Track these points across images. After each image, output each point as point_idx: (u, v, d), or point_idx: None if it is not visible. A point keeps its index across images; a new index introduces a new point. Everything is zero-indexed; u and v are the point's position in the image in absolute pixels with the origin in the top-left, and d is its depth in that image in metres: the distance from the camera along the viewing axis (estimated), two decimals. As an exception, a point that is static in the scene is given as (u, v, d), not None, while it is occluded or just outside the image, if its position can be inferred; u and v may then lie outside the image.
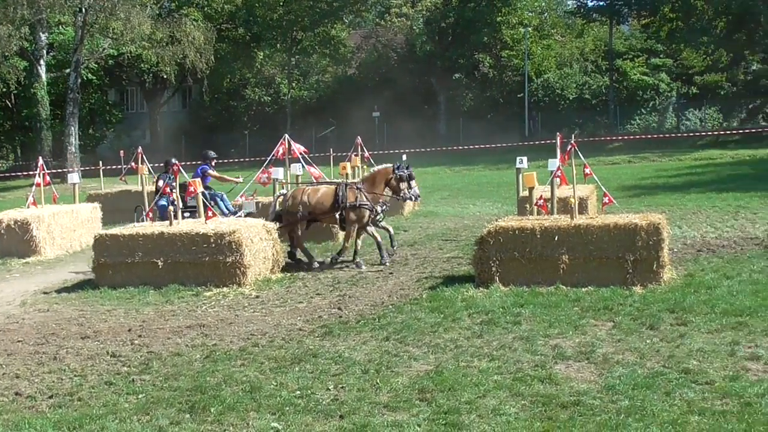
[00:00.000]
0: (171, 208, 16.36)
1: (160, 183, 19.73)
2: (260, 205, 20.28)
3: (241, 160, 54.18)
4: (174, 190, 17.76)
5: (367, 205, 16.87)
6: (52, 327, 12.65)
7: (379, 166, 17.92)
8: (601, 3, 64.98)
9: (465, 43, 63.46)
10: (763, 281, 12.88)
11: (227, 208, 19.95)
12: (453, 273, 15.17)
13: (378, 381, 9.06)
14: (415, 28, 62.80)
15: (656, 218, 13.18)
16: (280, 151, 20.74)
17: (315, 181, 21.12)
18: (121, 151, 36.26)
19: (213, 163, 20.78)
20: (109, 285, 15.21)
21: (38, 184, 21.41)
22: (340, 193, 16.94)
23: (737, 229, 18.83)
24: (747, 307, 11.24)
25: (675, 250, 15.78)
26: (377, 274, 15.68)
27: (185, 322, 12.51)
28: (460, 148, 51.20)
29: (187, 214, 17.90)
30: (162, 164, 21.68)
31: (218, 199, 20.13)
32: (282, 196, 18.02)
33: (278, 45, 67.72)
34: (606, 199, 15.06)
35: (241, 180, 21.87)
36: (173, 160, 19.72)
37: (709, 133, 54.07)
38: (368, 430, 7.76)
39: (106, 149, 66.34)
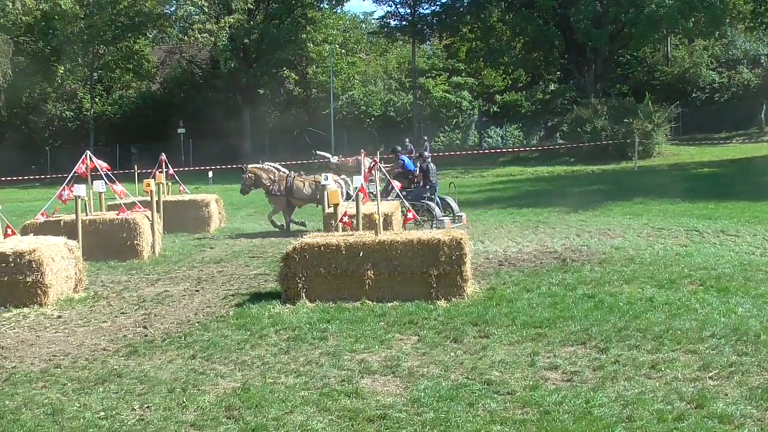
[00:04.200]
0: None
1: None
2: (62, 223, 19.68)
3: (42, 177, 52.57)
4: None
5: None
6: None
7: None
8: (404, 23, 66.24)
9: (270, 59, 63.49)
10: (561, 293, 13.43)
11: None
12: (260, 290, 15.15)
13: (184, 399, 8.97)
14: (219, 44, 62.39)
15: (458, 234, 13.54)
16: (82, 168, 20.25)
17: (119, 197, 20.97)
18: None
19: None
20: None
21: None
22: None
23: (537, 243, 19.56)
24: (546, 318, 11.70)
25: (478, 264, 16.22)
26: (183, 292, 15.50)
27: (-18, 344, 12.04)
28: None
29: None
30: None
31: None
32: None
33: (80, 59, 65.89)
34: (409, 215, 15.38)
35: None
36: None
37: (510, 150, 55.89)
38: (175, 449, 7.69)
39: None
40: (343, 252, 13.37)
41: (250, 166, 24.95)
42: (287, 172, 24.60)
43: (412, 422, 8.07)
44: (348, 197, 22.16)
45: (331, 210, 17.13)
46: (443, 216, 22.12)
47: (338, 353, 10.50)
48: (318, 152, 30.81)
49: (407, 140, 40.92)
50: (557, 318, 11.73)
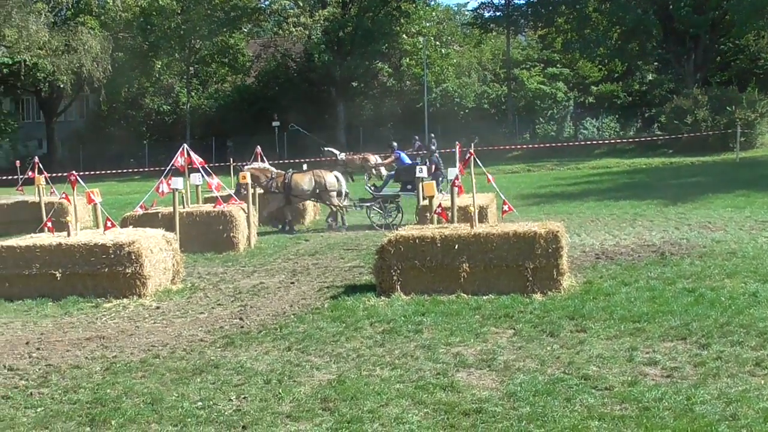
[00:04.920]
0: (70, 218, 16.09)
1: None
2: (160, 215, 19.99)
3: (141, 170, 53.54)
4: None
5: None
6: (-55, 342, 12.31)
7: None
8: (498, 14, 65.85)
9: (364, 52, 63.66)
10: (660, 288, 13.17)
11: None
12: (354, 282, 15.19)
13: (280, 391, 9.00)
14: (313, 37, 62.77)
15: (555, 226, 13.35)
16: (180, 161, 20.54)
17: (215, 192, 21.28)
18: (17, 162, 35.49)
19: None
20: (5, 297, 14.82)
21: None
22: None
23: (634, 237, 19.24)
24: (644, 313, 11.48)
25: (574, 257, 16.03)
26: (279, 284, 15.61)
27: (85, 334, 12.24)
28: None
29: None
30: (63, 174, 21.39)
31: None
32: None
33: (176, 54, 67.04)
34: (506, 207, 15.21)
35: None
36: None
37: (606, 141, 55.17)
38: (271, 440, 7.73)
39: (2, 159, 64.96)
40: (438, 245, 13.30)
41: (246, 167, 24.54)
42: (280, 172, 24.39)
43: (508, 416, 7.97)
44: (346, 195, 24.11)
45: (426, 202, 17.06)
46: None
47: (433, 346, 10.43)
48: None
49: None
50: (656, 312, 11.49)
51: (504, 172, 45.25)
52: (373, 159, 29.32)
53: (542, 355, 9.86)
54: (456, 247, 13.26)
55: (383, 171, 28.02)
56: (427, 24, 67.66)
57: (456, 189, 15.20)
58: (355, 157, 30.19)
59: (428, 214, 16.08)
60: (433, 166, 25.06)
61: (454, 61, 69.19)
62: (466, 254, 13.23)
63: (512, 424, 7.76)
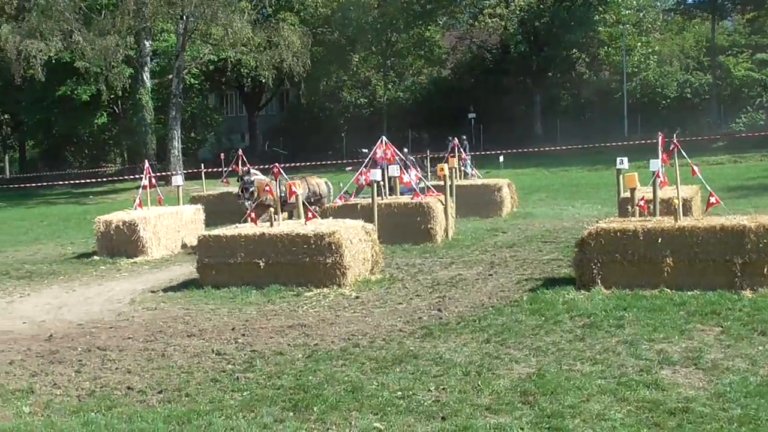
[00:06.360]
0: (272, 209, 16.49)
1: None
2: (359, 206, 20.29)
3: (338, 162, 54.50)
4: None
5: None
6: (160, 325, 12.88)
7: None
8: (702, -1, 63.78)
9: (560, 42, 62.83)
10: None
11: None
12: (553, 275, 15.00)
13: (479, 383, 8.96)
14: (509, 28, 62.39)
15: (766, 220, 12.79)
16: (378, 153, 20.79)
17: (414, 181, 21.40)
18: (221, 154, 36.72)
19: None
20: (212, 285, 15.40)
21: (145, 187, 21.97)
22: None
23: None
24: None
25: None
26: (477, 276, 15.58)
27: (287, 321, 12.57)
28: (557, 148, 50.63)
29: None
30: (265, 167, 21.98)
31: None
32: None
33: (373, 47, 67.98)
34: (713, 200, 14.64)
35: None
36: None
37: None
38: (470, 432, 7.68)
39: (207, 152, 67.53)
40: (641, 238, 12.94)
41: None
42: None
43: (717, 418, 7.65)
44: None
45: (627, 194, 16.67)
46: None
47: (635, 342, 10.15)
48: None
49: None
50: None
51: (708, 163, 43.67)
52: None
53: (753, 355, 9.42)
54: (659, 240, 12.88)
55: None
56: (627, 12, 66.06)
57: (658, 181, 14.79)
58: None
59: (629, 207, 15.71)
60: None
61: (656, 49, 67.30)
62: (669, 248, 12.82)
63: (722, 426, 7.44)
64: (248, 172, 21.17)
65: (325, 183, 24.18)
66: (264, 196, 19.85)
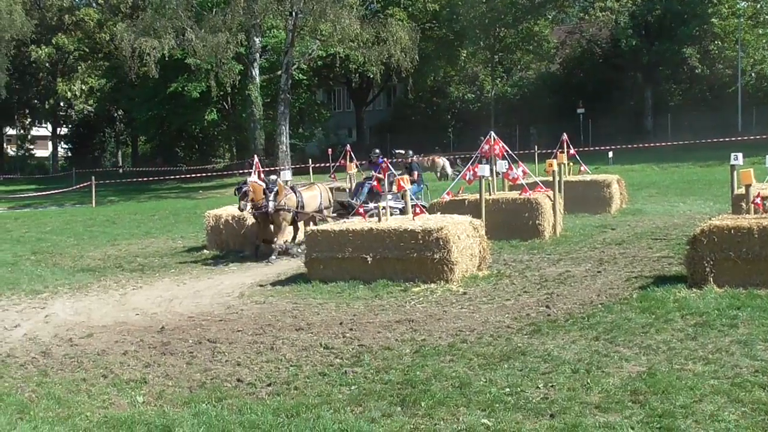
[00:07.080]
0: (371, 205, 16.61)
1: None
2: (467, 202, 20.29)
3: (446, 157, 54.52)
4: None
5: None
6: (268, 318, 13.09)
7: None
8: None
9: (672, 36, 61.66)
10: None
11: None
12: (663, 273, 14.74)
13: (588, 381, 8.88)
14: (620, 22, 61.50)
15: None
16: (486, 148, 20.75)
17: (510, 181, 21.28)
18: (329, 149, 37.05)
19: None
20: (320, 279, 15.58)
21: (254, 182, 22.28)
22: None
23: None
24: None
25: None
26: (585, 272, 15.42)
27: (394, 316, 12.64)
28: (669, 144, 49.71)
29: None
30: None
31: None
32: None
33: (481, 42, 67.76)
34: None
35: None
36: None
37: None
38: (579, 430, 7.61)
39: (314, 147, 68.19)
40: (756, 236, 12.63)
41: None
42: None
43: (835, 420, 7.48)
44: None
45: (741, 191, 16.32)
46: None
47: (750, 342, 9.92)
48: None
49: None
50: None
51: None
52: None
53: None
54: (776, 238, 12.58)
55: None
56: (743, 4, 64.46)
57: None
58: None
59: (743, 204, 15.37)
60: (415, 173, 23.61)
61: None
62: (786, 247, 12.52)
63: (840, 429, 7.27)
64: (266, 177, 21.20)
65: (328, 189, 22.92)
66: (261, 199, 19.62)
